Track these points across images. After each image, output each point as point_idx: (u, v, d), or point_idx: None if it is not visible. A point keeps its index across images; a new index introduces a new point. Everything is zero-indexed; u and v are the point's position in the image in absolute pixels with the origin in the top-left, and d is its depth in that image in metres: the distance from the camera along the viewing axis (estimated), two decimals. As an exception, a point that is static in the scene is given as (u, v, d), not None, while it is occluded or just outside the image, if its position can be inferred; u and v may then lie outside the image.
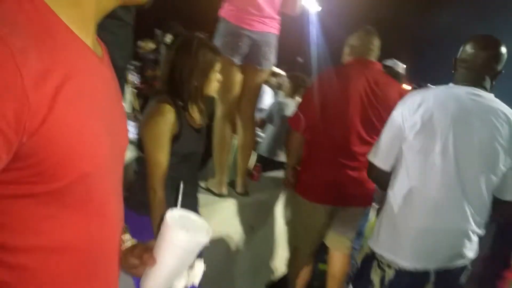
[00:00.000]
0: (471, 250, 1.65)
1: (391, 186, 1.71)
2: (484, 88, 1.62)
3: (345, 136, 2.28)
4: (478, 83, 1.61)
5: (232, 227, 2.24)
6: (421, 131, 1.60)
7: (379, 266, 1.72)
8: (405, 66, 3.46)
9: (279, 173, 3.09)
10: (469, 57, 1.64)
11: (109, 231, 0.70)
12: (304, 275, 2.59)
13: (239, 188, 2.34)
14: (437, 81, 1.98)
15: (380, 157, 1.74)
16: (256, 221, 2.49)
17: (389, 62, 3.50)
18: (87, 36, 0.62)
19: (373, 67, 2.35)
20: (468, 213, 1.59)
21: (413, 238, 1.63)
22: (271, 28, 2.26)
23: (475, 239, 1.66)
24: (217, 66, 1.62)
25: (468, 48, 1.65)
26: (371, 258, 1.77)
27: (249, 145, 2.38)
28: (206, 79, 1.60)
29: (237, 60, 2.15)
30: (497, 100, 1.61)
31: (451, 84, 1.69)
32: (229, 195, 2.29)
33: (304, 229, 2.48)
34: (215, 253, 2.12)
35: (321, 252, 3.46)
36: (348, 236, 2.49)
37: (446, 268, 1.64)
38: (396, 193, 1.67)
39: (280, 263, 2.91)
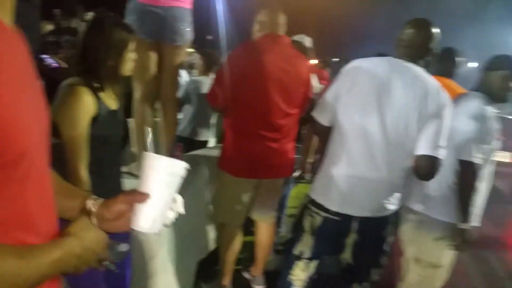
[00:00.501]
0: (393, 203, 1.85)
1: (330, 140, 1.93)
2: (418, 64, 1.83)
3: (264, 109, 2.32)
4: (413, 59, 1.83)
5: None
6: (353, 92, 1.81)
7: (310, 214, 1.92)
8: (311, 40, 3.61)
9: (202, 152, 3.10)
10: (406, 37, 1.85)
11: (46, 207, 0.69)
12: (234, 249, 2.65)
13: (162, 168, 2.31)
14: (343, 56, 2.16)
15: (319, 113, 1.95)
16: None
17: (297, 37, 3.63)
18: (5, 15, 0.60)
19: (283, 41, 2.40)
20: (393, 167, 1.80)
21: (342, 184, 1.83)
22: (178, 2, 2.20)
23: (397, 193, 1.86)
24: (131, 45, 1.58)
25: (406, 29, 1.86)
26: (304, 208, 1.97)
27: (171, 125, 2.35)
28: (121, 59, 1.55)
29: (147, 38, 2.09)
30: (425, 75, 1.82)
31: (390, 57, 1.89)
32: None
33: (231, 204, 2.51)
34: (139, 238, 2.06)
35: (247, 225, 3.58)
36: (272, 207, 2.57)
37: (369, 217, 1.82)
38: (333, 145, 1.89)
39: (211, 239, 2.94)
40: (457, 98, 2.21)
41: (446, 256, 2.19)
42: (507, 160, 5.67)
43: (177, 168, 0.83)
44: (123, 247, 1.47)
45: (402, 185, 1.87)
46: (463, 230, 2.03)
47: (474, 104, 2.09)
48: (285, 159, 2.35)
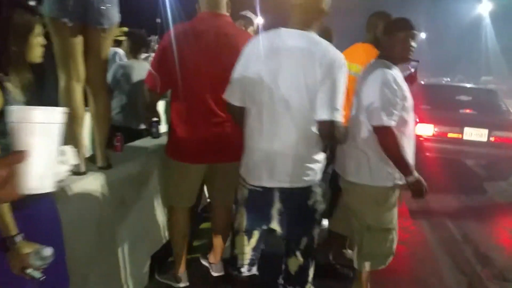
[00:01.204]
0: (309, 174, 1.84)
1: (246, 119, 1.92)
2: (312, 28, 1.82)
3: (202, 91, 2.26)
4: (306, 24, 1.81)
5: (99, 204, 2.08)
6: (250, 68, 1.82)
7: (240, 187, 1.99)
8: (258, 16, 3.56)
9: (145, 142, 2.96)
10: (296, 1, 1.82)
11: None
12: (183, 232, 2.59)
13: (99, 162, 2.17)
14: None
15: (229, 94, 1.93)
16: (127, 194, 2.36)
17: (244, 13, 3.60)
18: None
19: (222, 19, 2.34)
20: (297, 137, 1.79)
21: (254, 158, 1.88)
22: None
23: (311, 164, 1.85)
24: (38, 28, 1.42)
25: None
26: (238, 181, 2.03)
27: (104, 115, 2.19)
28: (26, 44, 1.39)
29: (70, 21, 1.91)
30: (315, 38, 1.79)
31: (282, 28, 1.86)
32: (91, 170, 2.11)
33: (178, 188, 2.47)
34: (86, 234, 1.98)
35: (200, 214, 3.48)
36: (227, 191, 2.49)
37: (289, 188, 1.85)
38: (248, 123, 1.90)
39: (163, 231, 2.86)
40: (367, 65, 2.33)
41: (393, 217, 2.32)
42: (483, 139, 5.73)
43: (50, 114, 0.77)
44: (47, 251, 1.36)
45: (314, 155, 1.86)
46: (409, 183, 2.16)
47: (378, 69, 2.16)
48: (232, 143, 2.24)
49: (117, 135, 2.50)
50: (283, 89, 1.76)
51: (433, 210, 4.68)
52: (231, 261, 2.13)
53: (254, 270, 2.07)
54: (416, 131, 6.00)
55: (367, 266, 2.39)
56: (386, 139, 2.10)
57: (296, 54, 1.76)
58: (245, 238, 1.99)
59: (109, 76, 3.25)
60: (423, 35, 57.32)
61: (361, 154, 2.23)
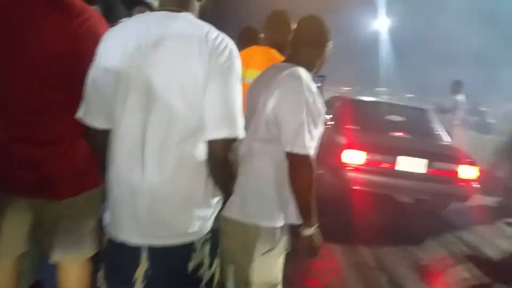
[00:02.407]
0: (192, 224, 1.32)
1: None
2: (187, 10, 1.38)
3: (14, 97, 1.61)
4: (180, 5, 1.37)
5: None
6: (113, 66, 1.31)
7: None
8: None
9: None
10: None
11: None
12: None
13: None
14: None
15: (84, 111, 1.40)
16: None
17: None
18: None
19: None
20: (179, 168, 1.28)
21: (116, 201, 1.36)
22: None
23: (197, 208, 1.32)
24: None
25: None
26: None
27: None
28: None
29: None
30: (199, 23, 1.34)
31: (148, 12, 1.64)
32: None
33: None
34: None
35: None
36: (70, 240, 1.77)
37: (161, 246, 1.31)
38: (110, 148, 1.37)
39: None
40: (269, 69, 1.91)
41: (280, 268, 1.87)
42: (421, 171, 4.72)
43: None
44: None
45: (202, 194, 1.32)
46: (303, 236, 1.74)
47: (295, 78, 1.72)
48: (66, 172, 1.66)
49: None
50: (155, 95, 1.27)
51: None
52: None
53: None
54: (342, 158, 4.90)
55: None
56: (304, 171, 1.66)
57: (169, 44, 1.28)
58: None
59: None
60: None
61: (253, 182, 1.74)
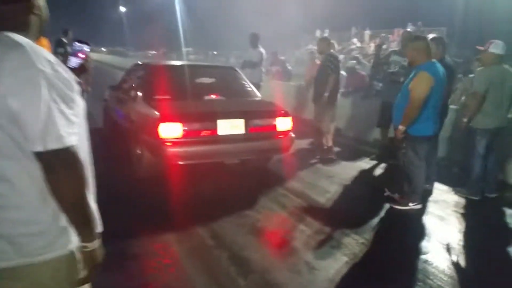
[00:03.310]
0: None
1: None
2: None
3: None
4: None
5: None
6: None
7: None
8: None
9: None
10: None
11: None
12: None
13: None
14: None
15: None
16: None
17: None
18: None
19: None
20: None
21: None
22: None
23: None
24: None
25: None
26: None
27: None
28: None
29: None
30: None
31: None
32: None
33: None
34: None
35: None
36: None
37: None
38: None
39: None
40: None
41: None
42: (240, 132, 4.47)
43: None
44: None
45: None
46: (87, 247, 1.32)
47: (9, 47, 1.20)
48: None
49: None
50: None
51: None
52: None
53: None
54: (159, 133, 4.36)
55: None
56: (68, 172, 1.20)
57: None
58: None
59: None
60: (123, 9, 56.89)
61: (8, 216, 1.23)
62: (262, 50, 7.81)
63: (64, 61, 1.63)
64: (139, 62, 6.54)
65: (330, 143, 6.20)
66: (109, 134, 6.69)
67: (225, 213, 3.93)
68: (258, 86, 7.28)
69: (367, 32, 23.12)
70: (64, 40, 9.05)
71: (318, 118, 6.25)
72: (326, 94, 5.90)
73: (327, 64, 5.93)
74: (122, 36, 58.08)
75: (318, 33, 24.81)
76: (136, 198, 4.20)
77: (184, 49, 32.79)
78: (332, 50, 6.34)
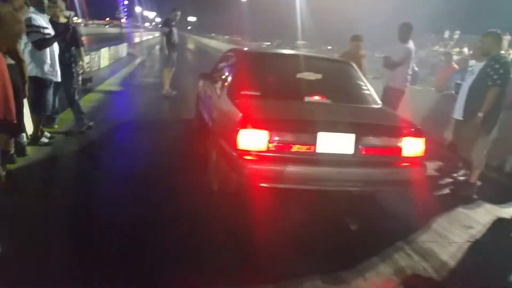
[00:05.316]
0: None
1: None
2: None
3: None
4: None
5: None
6: None
7: None
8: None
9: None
10: None
11: None
12: None
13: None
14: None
15: None
16: None
17: None
18: None
19: None
20: None
21: None
22: None
23: None
24: None
25: None
26: None
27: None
28: None
29: None
30: None
31: None
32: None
33: None
34: None
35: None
36: None
37: None
38: None
39: None
40: None
41: None
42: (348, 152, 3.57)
43: None
44: None
45: None
46: None
47: None
48: None
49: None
50: None
51: None
52: None
53: None
54: (239, 142, 3.18)
55: None
56: None
57: None
58: None
59: None
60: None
61: None
62: (411, 46, 5.83)
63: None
64: (233, 47, 5.56)
65: (474, 179, 4.49)
66: (196, 129, 5.90)
67: (311, 270, 2.70)
68: (399, 93, 5.73)
69: (507, 38, 19.23)
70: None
71: (466, 144, 4.56)
72: (481, 114, 4.21)
73: (488, 70, 4.22)
74: (241, 25, 59.41)
75: (447, 34, 21.85)
76: (200, 217, 3.22)
77: (298, 42, 32.00)
78: (502, 52, 4.54)
